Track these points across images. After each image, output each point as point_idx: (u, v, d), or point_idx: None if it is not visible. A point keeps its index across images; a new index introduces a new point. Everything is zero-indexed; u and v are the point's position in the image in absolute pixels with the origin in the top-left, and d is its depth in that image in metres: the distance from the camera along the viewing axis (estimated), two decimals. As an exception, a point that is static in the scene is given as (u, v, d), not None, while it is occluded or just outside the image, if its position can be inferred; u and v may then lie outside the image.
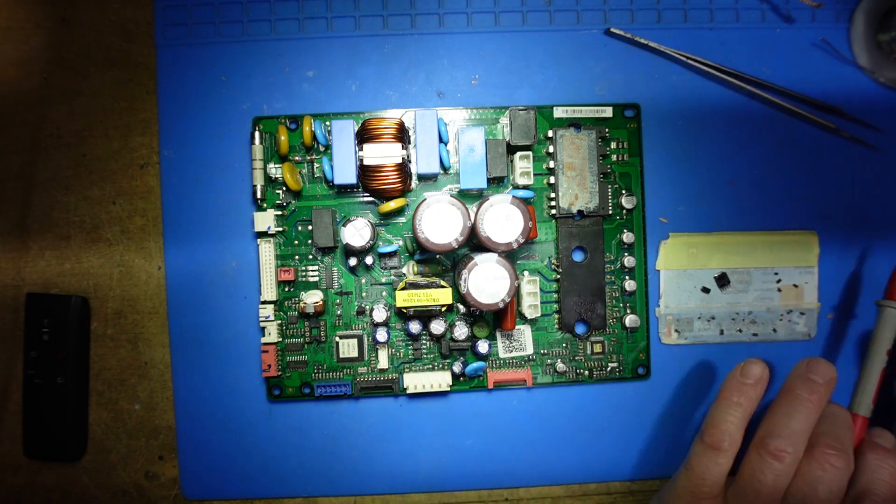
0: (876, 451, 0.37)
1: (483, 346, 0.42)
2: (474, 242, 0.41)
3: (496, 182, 0.44)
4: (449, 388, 0.43)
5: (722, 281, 0.45)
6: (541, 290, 0.44)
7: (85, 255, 0.45)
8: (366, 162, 0.41)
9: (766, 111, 0.45)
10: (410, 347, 0.44)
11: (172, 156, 0.44)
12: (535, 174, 0.43)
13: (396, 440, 0.44)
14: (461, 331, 0.42)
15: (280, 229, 0.43)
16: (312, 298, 0.43)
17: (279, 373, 0.43)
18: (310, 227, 0.43)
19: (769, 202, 0.45)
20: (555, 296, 0.44)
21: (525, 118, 0.41)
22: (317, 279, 0.43)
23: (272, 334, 0.43)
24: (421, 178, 0.43)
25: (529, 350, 0.44)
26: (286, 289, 0.43)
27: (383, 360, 0.43)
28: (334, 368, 0.44)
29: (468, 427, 0.44)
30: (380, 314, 0.42)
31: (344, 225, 0.41)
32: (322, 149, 0.43)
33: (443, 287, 0.41)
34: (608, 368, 0.44)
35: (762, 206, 0.45)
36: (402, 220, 0.44)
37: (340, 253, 0.43)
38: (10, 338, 0.44)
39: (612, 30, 0.44)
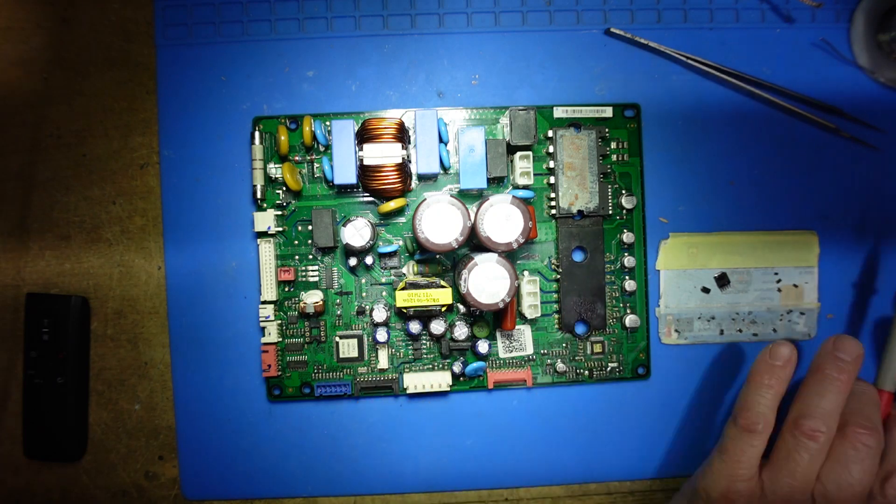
0: None
1: (483, 346, 0.42)
2: (474, 242, 0.41)
3: (496, 182, 0.44)
4: (449, 388, 0.43)
5: (722, 281, 0.45)
6: (541, 290, 0.44)
7: (85, 255, 0.45)
8: (366, 162, 0.41)
9: (766, 111, 0.45)
10: (410, 347, 0.44)
11: (172, 156, 0.44)
12: (535, 174, 0.43)
13: (396, 440, 0.44)
14: (461, 331, 0.42)
15: (280, 229, 0.43)
16: (312, 298, 0.43)
17: (279, 373, 0.43)
18: (310, 227, 0.43)
19: (769, 202, 0.45)
20: (555, 296, 0.44)
21: (525, 118, 0.41)
22: (317, 279, 0.43)
23: (272, 334, 0.43)
24: (421, 178, 0.43)
25: (529, 350, 0.44)
26: (286, 289, 0.43)
27: (383, 360, 0.43)
28: (334, 368, 0.44)
29: (468, 427, 0.44)
30: (380, 314, 0.42)
31: (344, 225, 0.41)
32: (322, 149, 0.43)
33: (443, 287, 0.41)
34: (608, 368, 0.44)
35: (762, 206, 0.45)
36: (402, 220, 0.44)
37: (340, 253, 0.43)
38: (10, 338, 0.44)
39: (612, 30, 0.44)
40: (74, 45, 0.44)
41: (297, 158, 0.43)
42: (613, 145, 0.44)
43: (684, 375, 0.45)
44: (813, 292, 0.45)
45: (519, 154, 0.42)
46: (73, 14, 0.45)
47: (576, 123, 0.44)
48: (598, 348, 0.44)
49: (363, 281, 0.44)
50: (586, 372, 0.44)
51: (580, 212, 0.43)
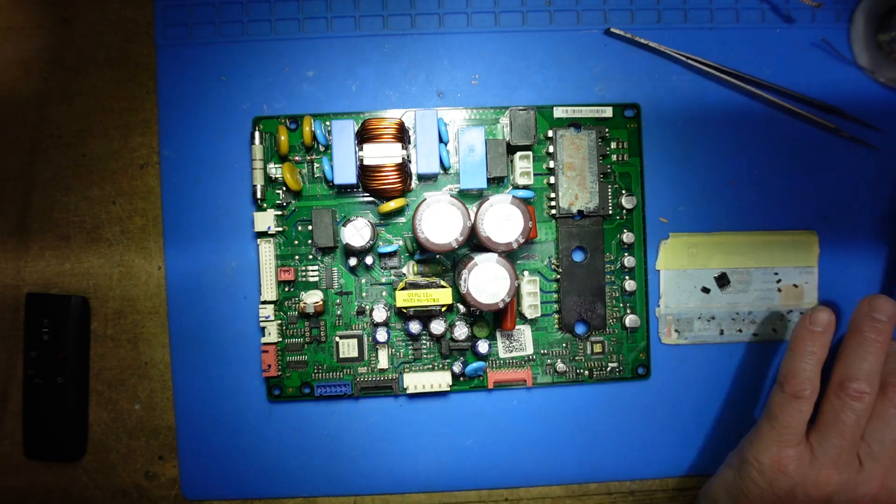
0: None
1: (483, 346, 0.42)
2: (474, 242, 0.41)
3: (496, 182, 0.44)
4: (449, 388, 0.43)
5: (722, 281, 0.45)
6: (541, 290, 0.44)
7: (85, 255, 0.45)
8: (366, 162, 0.41)
9: (766, 111, 0.45)
10: (410, 347, 0.44)
11: (172, 156, 0.44)
12: (535, 174, 0.43)
13: (396, 440, 0.44)
14: (461, 331, 0.42)
15: (280, 229, 0.43)
16: (312, 298, 0.43)
17: (279, 373, 0.43)
18: (310, 227, 0.43)
19: (769, 202, 0.45)
20: (555, 296, 0.44)
21: (525, 118, 0.41)
22: (317, 279, 0.43)
23: (272, 334, 0.43)
24: (421, 178, 0.43)
25: (529, 350, 0.44)
26: (286, 289, 0.43)
27: (383, 360, 0.43)
28: (334, 368, 0.44)
29: (468, 427, 0.44)
30: (380, 314, 0.42)
31: (344, 225, 0.41)
32: (322, 149, 0.43)
33: (443, 287, 0.41)
34: (608, 368, 0.44)
35: (762, 206, 0.45)
36: (402, 220, 0.44)
37: (340, 253, 0.43)
38: (10, 338, 0.44)
39: (612, 30, 0.44)
40: (74, 45, 0.44)
41: (297, 158, 0.43)
42: (613, 145, 0.44)
43: (684, 375, 0.45)
44: (813, 292, 0.45)
45: (519, 154, 0.42)
46: (73, 14, 0.45)
47: (576, 123, 0.44)
48: (598, 348, 0.44)
49: (363, 281, 0.44)
50: (586, 372, 0.44)
51: (580, 212, 0.43)
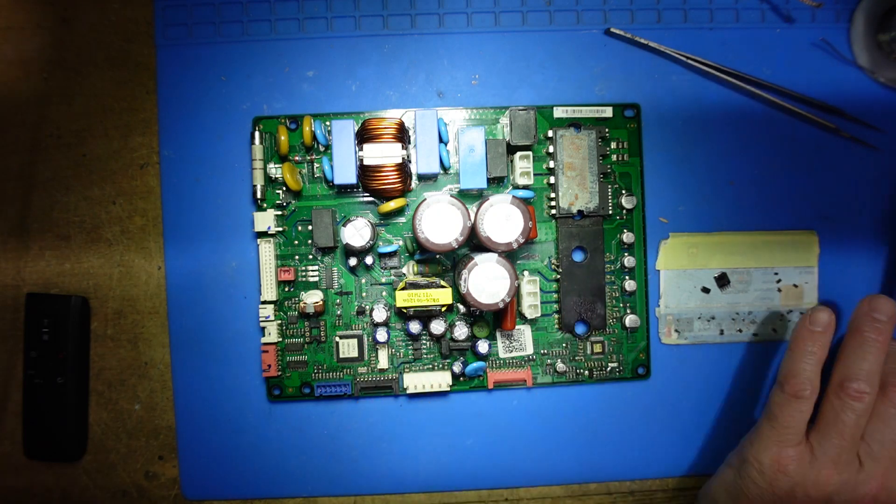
0: None
1: (483, 346, 0.42)
2: (474, 242, 0.41)
3: (496, 182, 0.44)
4: (449, 388, 0.43)
5: (722, 281, 0.45)
6: (541, 290, 0.44)
7: (85, 255, 0.45)
8: (366, 162, 0.41)
9: (766, 111, 0.45)
10: (410, 347, 0.44)
11: (172, 156, 0.44)
12: (535, 174, 0.43)
13: (396, 440, 0.44)
14: (461, 331, 0.42)
15: (280, 229, 0.43)
16: (312, 298, 0.43)
17: (279, 373, 0.43)
18: (310, 227, 0.43)
19: (769, 202, 0.45)
20: (555, 296, 0.44)
21: (525, 118, 0.41)
22: (317, 279, 0.43)
23: (272, 334, 0.43)
24: (421, 178, 0.43)
25: (529, 350, 0.44)
26: (286, 289, 0.43)
27: (383, 360, 0.43)
28: (334, 368, 0.44)
29: (468, 427, 0.44)
30: (380, 314, 0.42)
31: (344, 225, 0.41)
32: (322, 149, 0.43)
33: (443, 287, 0.41)
34: (608, 368, 0.44)
35: (762, 206, 0.45)
36: (402, 220, 0.44)
37: (340, 253, 0.43)
38: (10, 338, 0.44)
39: (612, 30, 0.44)
40: (74, 45, 0.44)
41: (297, 158, 0.43)
42: (613, 145, 0.44)
43: (684, 375, 0.45)
44: (813, 292, 0.45)
45: (519, 154, 0.42)
46: (73, 14, 0.45)
47: (576, 123, 0.44)
48: (598, 348, 0.44)
49: (363, 281, 0.44)
50: (586, 372, 0.44)
51: (580, 212, 0.43)
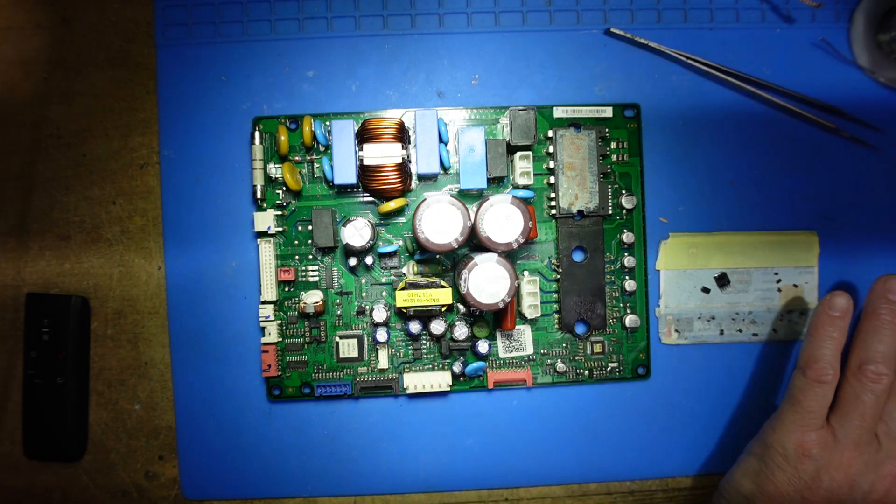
0: None
1: (483, 346, 0.42)
2: (474, 242, 0.41)
3: (496, 182, 0.44)
4: (449, 388, 0.43)
5: (722, 281, 0.45)
6: (541, 290, 0.44)
7: (85, 255, 0.45)
8: (366, 162, 0.41)
9: (766, 111, 0.45)
10: (410, 347, 0.44)
11: (172, 156, 0.44)
12: (535, 174, 0.43)
13: (396, 440, 0.44)
14: (461, 331, 0.42)
15: (280, 229, 0.43)
16: (312, 298, 0.43)
17: (279, 373, 0.43)
18: (310, 227, 0.43)
19: (769, 202, 0.45)
20: (555, 296, 0.44)
21: (525, 118, 0.41)
22: (317, 279, 0.43)
23: (272, 334, 0.43)
24: (421, 178, 0.43)
25: (529, 350, 0.44)
26: (286, 289, 0.43)
27: (383, 360, 0.43)
28: (334, 368, 0.44)
29: (468, 427, 0.44)
30: (380, 314, 0.42)
31: (344, 225, 0.41)
32: (322, 149, 0.43)
33: (443, 287, 0.41)
34: (608, 368, 0.44)
35: (762, 206, 0.45)
36: (402, 220, 0.44)
37: (340, 253, 0.43)
38: (10, 338, 0.44)
39: (612, 30, 0.44)
40: (74, 45, 0.44)
41: (297, 158, 0.43)
42: (613, 145, 0.44)
43: (684, 375, 0.45)
44: (813, 292, 0.45)
45: (519, 154, 0.42)
46: (73, 14, 0.45)
47: (576, 123, 0.44)
48: (598, 348, 0.44)
49: (363, 281, 0.44)
50: (586, 372, 0.44)
51: (580, 212, 0.43)
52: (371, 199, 0.43)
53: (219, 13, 0.44)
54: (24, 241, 0.44)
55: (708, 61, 0.44)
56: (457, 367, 0.43)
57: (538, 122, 0.43)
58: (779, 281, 0.45)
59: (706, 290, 0.45)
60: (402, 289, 0.41)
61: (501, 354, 0.44)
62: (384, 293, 0.44)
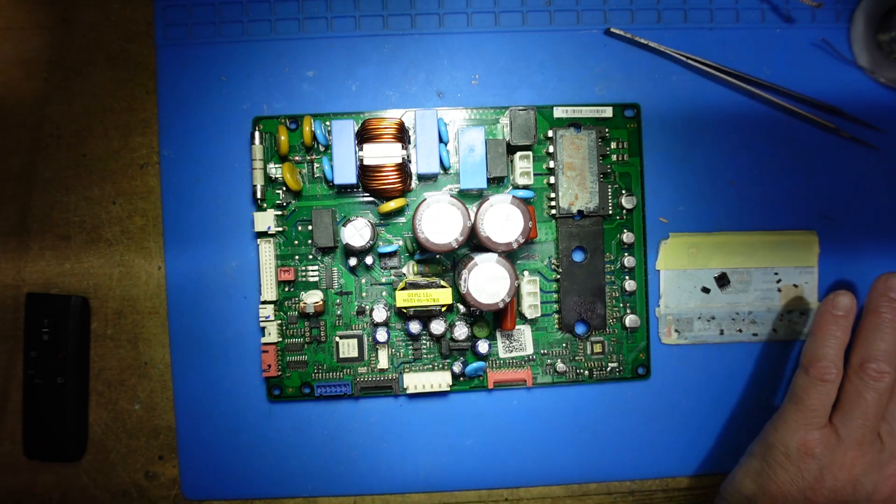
0: None
1: (483, 346, 0.42)
2: (474, 242, 0.41)
3: (496, 182, 0.44)
4: (449, 388, 0.43)
5: (722, 281, 0.45)
6: (541, 290, 0.44)
7: (85, 255, 0.45)
8: (366, 162, 0.41)
9: (766, 111, 0.45)
10: (410, 347, 0.44)
11: (172, 156, 0.44)
12: (535, 174, 0.43)
13: (396, 440, 0.44)
14: (461, 331, 0.42)
15: (280, 229, 0.43)
16: (312, 298, 0.43)
17: (279, 373, 0.43)
18: (310, 227, 0.43)
19: (769, 202, 0.45)
20: (555, 296, 0.44)
21: (525, 118, 0.41)
22: (317, 279, 0.43)
23: (272, 334, 0.43)
24: (421, 178, 0.43)
25: (529, 350, 0.44)
26: (286, 289, 0.43)
27: (383, 360, 0.43)
28: (334, 368, 0.44)
29: (468, 427, 0.44)
30: (380, 314, 0.42)
31: (344, 225, 0.41)
32: (322, 149, 0.43)
33: (443, 287, 0.41)
34: (608, 368, 0.44)
35: (762, 206, 0.45)
36: (402, 220, 0.44)
37: (340, 253, 0.43)
38: (10, 338, 0.44)
39: (612, 30, 0.44)
40: (74, 45, 0.44)
41: (297, 158, 0.43)
42: (613, 145, 0.44)
43: (684, 375, 0.45)
44: (813, 292, 0.45)
45: (519, 154, 0.42)
46: (73, 14, 0.45)
47: (576, 123, 0.44)
48: (598, 348, 0.44)
49: (363, 281, 0.44)
50: (586, 372, 0.44)
51: (580, 212, 0.43)
52: (371, 199, 0.43)
53: (219, 13, 0.44)
54: (24, 241, 0.44)
55: (708, 61, 0.44)
56: (457, 367, 0.43)
57: (538, 122, 0.43)
58: (779, 281, 0.45)
59: (706, 290, 0.45)
60: (402, 289, 0.41)
61: (501, 354, 0.44)
62: (384, 293, 0.44)
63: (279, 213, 0.43)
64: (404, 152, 0.41)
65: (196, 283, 0.44)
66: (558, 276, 0.44)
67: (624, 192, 0.44)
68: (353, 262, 0.43)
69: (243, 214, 0.44)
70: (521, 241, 0.38)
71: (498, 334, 0.44)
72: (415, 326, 0.42)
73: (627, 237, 0.44)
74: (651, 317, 0.45)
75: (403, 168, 0.41)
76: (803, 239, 0.45)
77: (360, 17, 0.44)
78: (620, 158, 0.44)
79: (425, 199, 0.38)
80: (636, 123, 0.44)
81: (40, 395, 0.43)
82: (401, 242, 0.43)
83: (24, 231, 0.44)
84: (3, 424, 0.45)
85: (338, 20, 0.44)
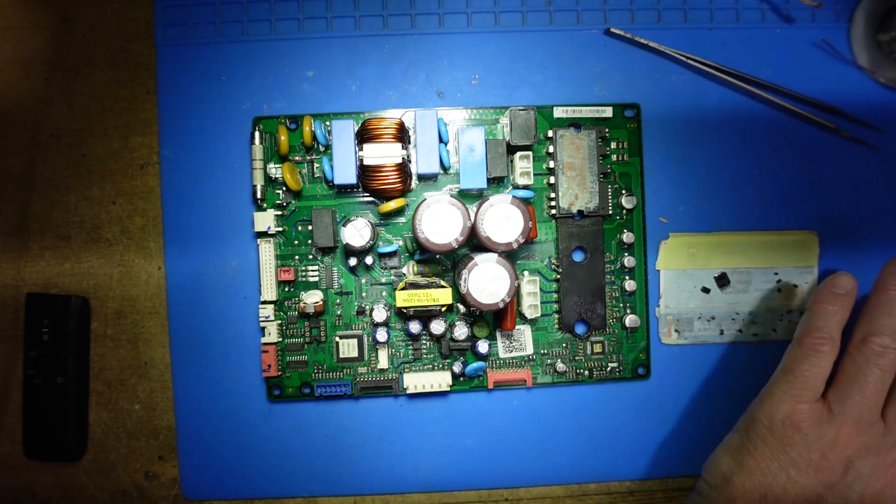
0: None
1: (483, 346, 0.42)
2: (474, 242, 0.41)
3: (496, 182, 0.44)
4: (449, 388, 0.43)
5: (722, 281, 0.45)
6: (541, 290, 0.44)
7: (85, 255, 0.45)
8: (366, 162, 0.41)
9: (766, 111, 0.45)
10: (410, 347, 0.44)
11: (172, 156, 0.44)
12: (535, 174, 0.43)
13: (396, 440, 0.44)
14: (461, 331, 0.42)
15: (280, 229, 0.43)
16: (312, 298, 0.43)
17: (279, 373, 0.43)
18: (310, 227, 0.43)
19: (769, 202, 0.45)
20: (555, 296, 0.44)
21: (525, 118, 0.41)
22: (317, 279, 0.43)
23: (272, 334, 0.43)
24: (421, 178, 0.43)
25: (529, 350, 0.44)
26: (286, 289, 0.43)
27: (383, 360, 0.43)
28: (334, 368, 0.44)
29: (468, 427, 0.44)
30: (380, 314, 0.42)
31: (344, 225, 0.41)
32: (322, 149, 0.43)
33: (443, 287, 0.41)
34: (608, 368, 0.44)
35: (762, 206, 0.45)
36: (402, 220, 0.44)
37: (340, 253, 0.43)
38: (10, 338, 0.44)
39: (612, 30, 0.44)
40: (74, 45, 0.44)
41: (297, 158, 0.43)
42: (613, 145, 0.44)
43: (684, 375, 0.45)
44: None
45: (519, 154, 0.42)
46: (73, 14, 0.45)
47: (576, 123, 0.44)
48: (598, 348, 0.44)
49: (363, 281, 0.44)
50: (586, 372, 0.44)
51: (580, 212, 0.43)
52: (371, 199, 0.43)
53: (219, 13, 0.44)
54: (24, 241, 0.44)
55: (708, 61, 0.44)
56: (457, 367, 0.43)
57: (538, 122, 0.43)
58: (779, 281, 0.45)
59: (706, 290, 0.45)
60: (402, 289, 0.41)
61: (501, 354, 0.44)
62: (384, 293, 0.44)
63: (279, 213, 0.43)
64: (404, 152, 0.41)
65: (196, 283, 0.44)
66: (558, 276, 0.44)
67: (624, 192, 0.44)
68: (353, 262, 0.43)
69: (243, 214, 0.44)
70: (521, 241, 0.38)
71: (498, 334, 0.44)
72: (415, 326, 0.42)
73: (627, 237, 0.44)
74: (651, 317, 0.45)
75: (403, 168, 0.41)
76: (803, 239, 0.45)
77: (360, 17, 0.44)
78: (620, 158, 0.44)
79: (425, 199, 0.38)
80: (636, 123, 0.44)
81: (40, 395, 0.43)
82: (401, 242, 0.43)
83: (24, 231, 0.44)
84: (3, 424, 0.45)
85: (338, 20, 0.44)
